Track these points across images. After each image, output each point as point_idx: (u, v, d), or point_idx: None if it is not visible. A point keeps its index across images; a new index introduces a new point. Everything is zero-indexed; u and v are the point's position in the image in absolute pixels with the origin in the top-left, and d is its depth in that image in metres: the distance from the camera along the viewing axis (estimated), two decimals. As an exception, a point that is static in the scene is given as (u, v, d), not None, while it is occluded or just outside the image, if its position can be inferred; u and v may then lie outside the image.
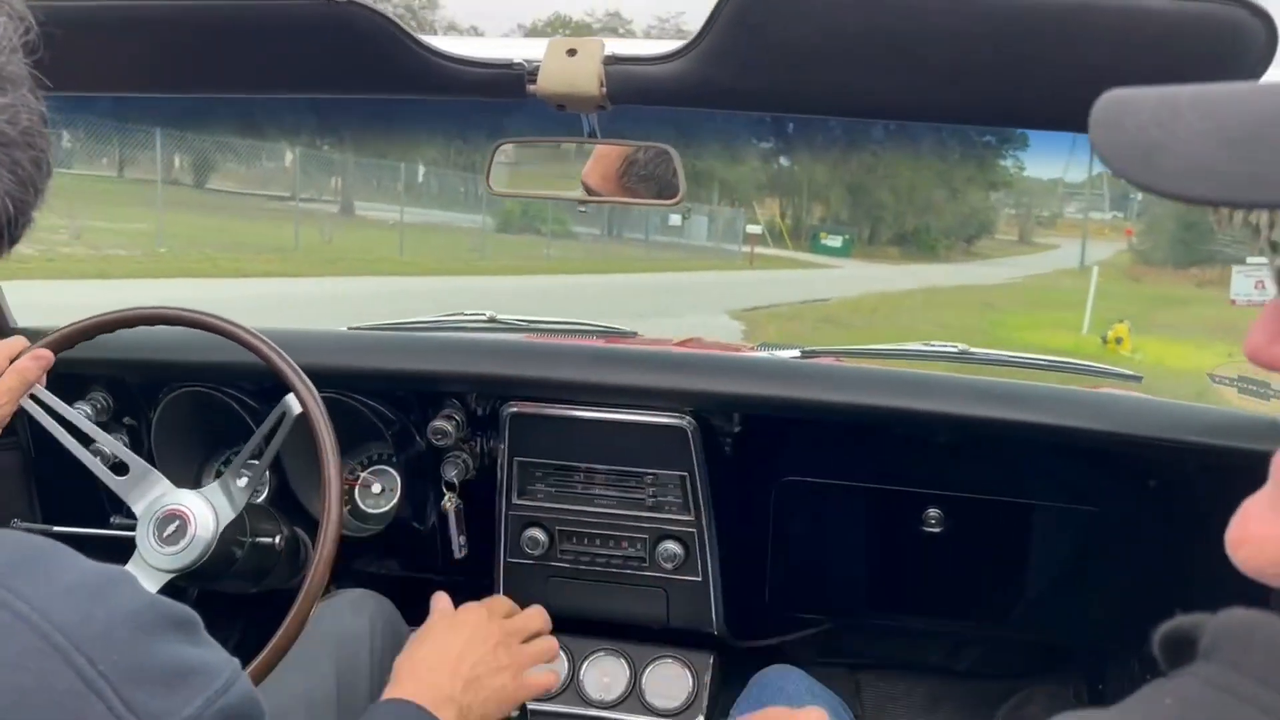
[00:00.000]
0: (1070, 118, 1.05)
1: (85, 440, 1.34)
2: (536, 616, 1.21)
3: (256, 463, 1.34)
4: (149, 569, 1.30)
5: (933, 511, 1.56)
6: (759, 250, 26.63)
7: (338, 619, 1.31)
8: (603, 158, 1.25)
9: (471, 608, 1.18)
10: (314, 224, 17.72)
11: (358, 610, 1.34)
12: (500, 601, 1.22)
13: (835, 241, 28.20)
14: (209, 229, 15.71)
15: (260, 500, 1.66)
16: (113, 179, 17.60)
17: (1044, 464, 1.51)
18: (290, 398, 1.30)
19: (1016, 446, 1.49)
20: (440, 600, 1.21)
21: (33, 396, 1.31)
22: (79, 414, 1.38)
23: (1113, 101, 0.43)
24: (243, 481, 1.33)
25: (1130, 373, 1.70)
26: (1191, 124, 0.40)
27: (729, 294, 15.38)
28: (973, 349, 1.73)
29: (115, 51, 1.10)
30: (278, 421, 1.31)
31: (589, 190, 1.25)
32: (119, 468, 1.34)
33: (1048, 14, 0.92)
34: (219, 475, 1.67)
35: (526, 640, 1.18)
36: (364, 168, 22.47)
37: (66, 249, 13.20)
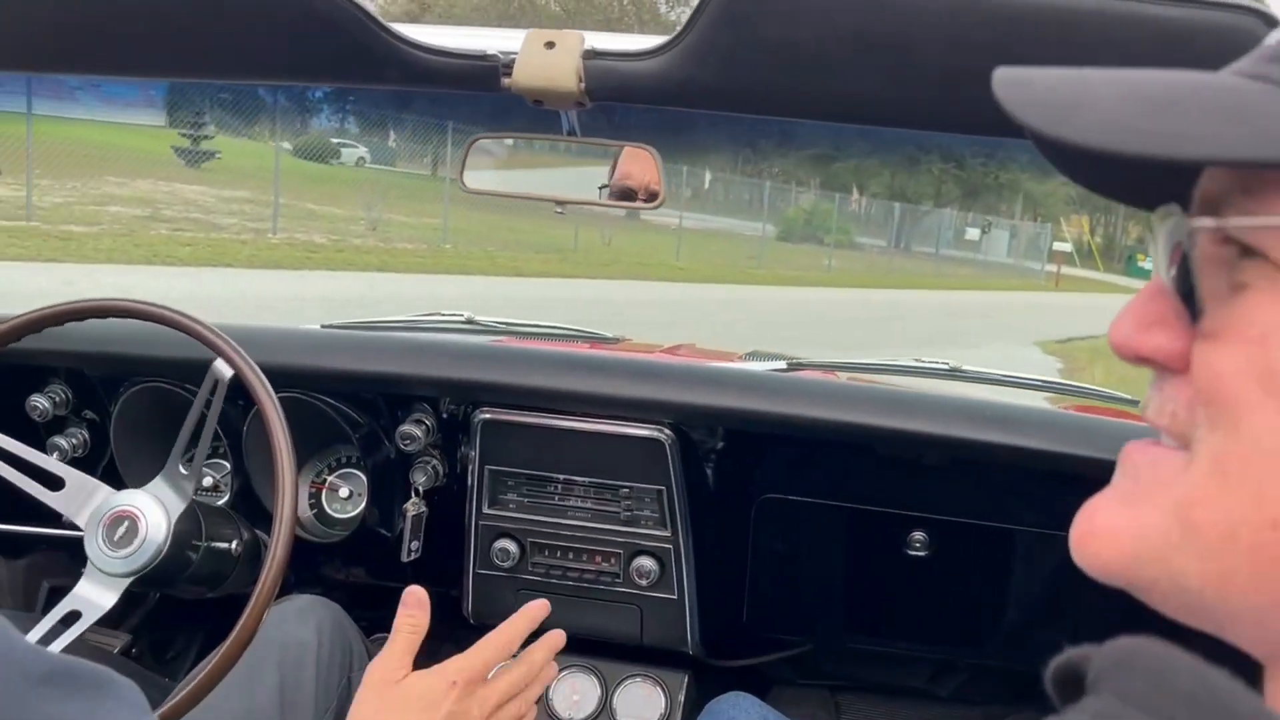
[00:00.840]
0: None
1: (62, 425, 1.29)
2: (530, 669, 1.00)
3: (197, 444, 1.28)
4: (104, 577, 1.24)
5: (918, 535, 1.51)
6: (1065, 270, 25.78)
7: (282, 626, 1.25)
8: (640, 159, 1.16)
9: (426, 678, 0.91)
10: (597, 226, 17.97)
11: (304, 617, 1.28)
12: (421, 629, 0.96)
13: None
14: (498, 227, 16.11)
15: (221, 503, 1.61)
16: (426, 176, 18.24)
17: (1034, 488, 1.45)
18: (218, 363, 1.23)
19: (1007, 470, 1.44)
20: (406, 621, 0.96)
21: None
22: (46, 401, 1.33)
23: (1013, 72, 0.42)
24: (186, 470, 1.27)
25: (1127, 396, 1.65)
26: (1103, 88, 0.39)
27: (1035, 320, 14.45)
28: (963, 367, 1.68)
29: (82, 30, 1.05)
30: (210, 392, 1.25)
31: (624, 192, 1.17)
32: (54, 482, 1.27)
33: (1049, 19, 0.87)
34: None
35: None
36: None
37: (359, 240, 13.71)
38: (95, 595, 1.24)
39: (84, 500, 1.26)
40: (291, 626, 1.25)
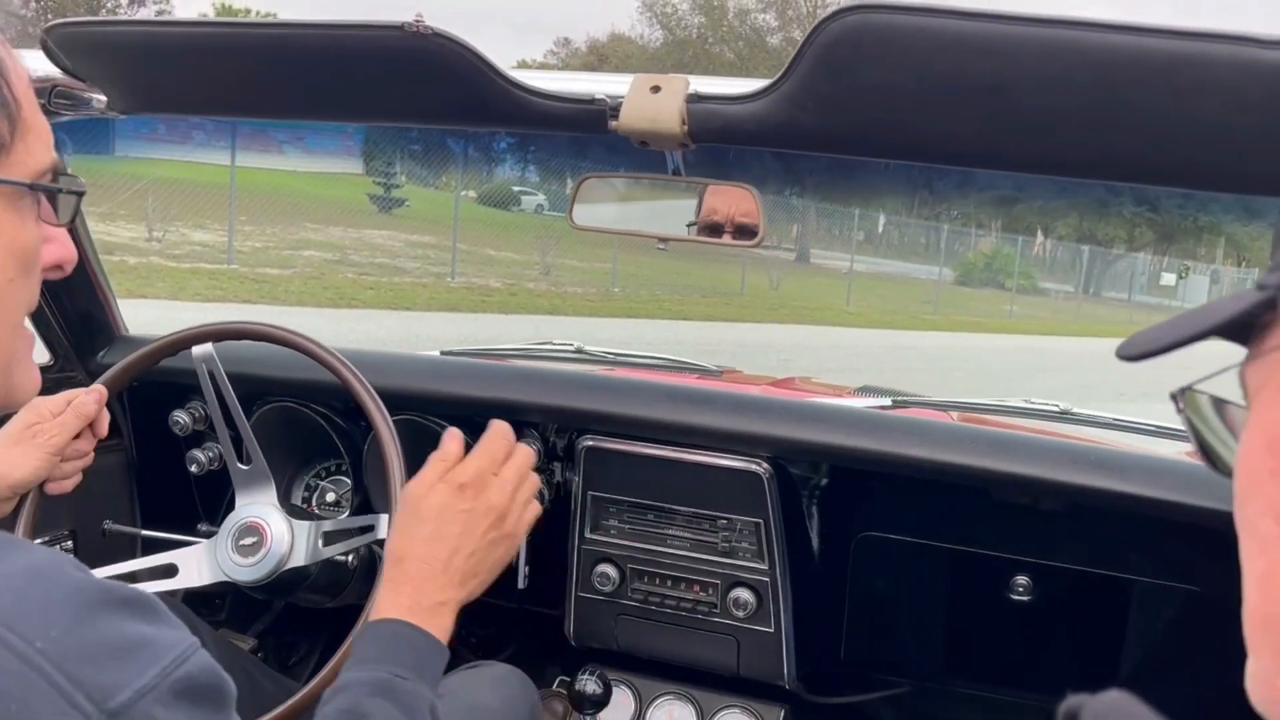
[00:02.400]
0: (1181, 172, 0.99)
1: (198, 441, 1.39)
2: (492, 441, 1.10)
3: (344, 540, 1.38)
4: (213, 562, 1.35)
5: (1021, 579, 1.48)
6: (1270, 320, 25.28)
7: (477, 694, 1.27)
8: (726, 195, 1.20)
9: (436, 489, 1.05)
10: (764, 270, 18.16)
11: (497, 686, 1.31)
12: (453, 458, 1.08)
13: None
14: (666, 271, 16.61)
15: (342, 517, 1.70)
16: None
17: (1143, 537, 1.41)
18: (382, 519, 1.33)
19: (1115, 517, 1.40)
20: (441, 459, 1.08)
21: (210, 373, 1.36)
22: (187, 416, 1.44)
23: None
24: (330, 548, 1.37)
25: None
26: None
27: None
28: (1074, 409, 1.65)
29: (208, 75, 1.14)
30: (368, 528, 1.36)
31: (711, 227, 1.21)
32: (245, 457, 1.39)
33: (1152, 63, 0.87)
34: (307, 494, 1.72)
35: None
36: (825, 215, 23.02)
37: (532, 285, 14.43)
38: (196, 566, 1.35)
39: (255, 488, 1.37)
40: (485, 694, 1.28)
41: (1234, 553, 1.38)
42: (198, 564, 1.33)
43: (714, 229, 1.17)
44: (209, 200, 13.38)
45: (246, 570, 1.31)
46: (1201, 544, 1.39)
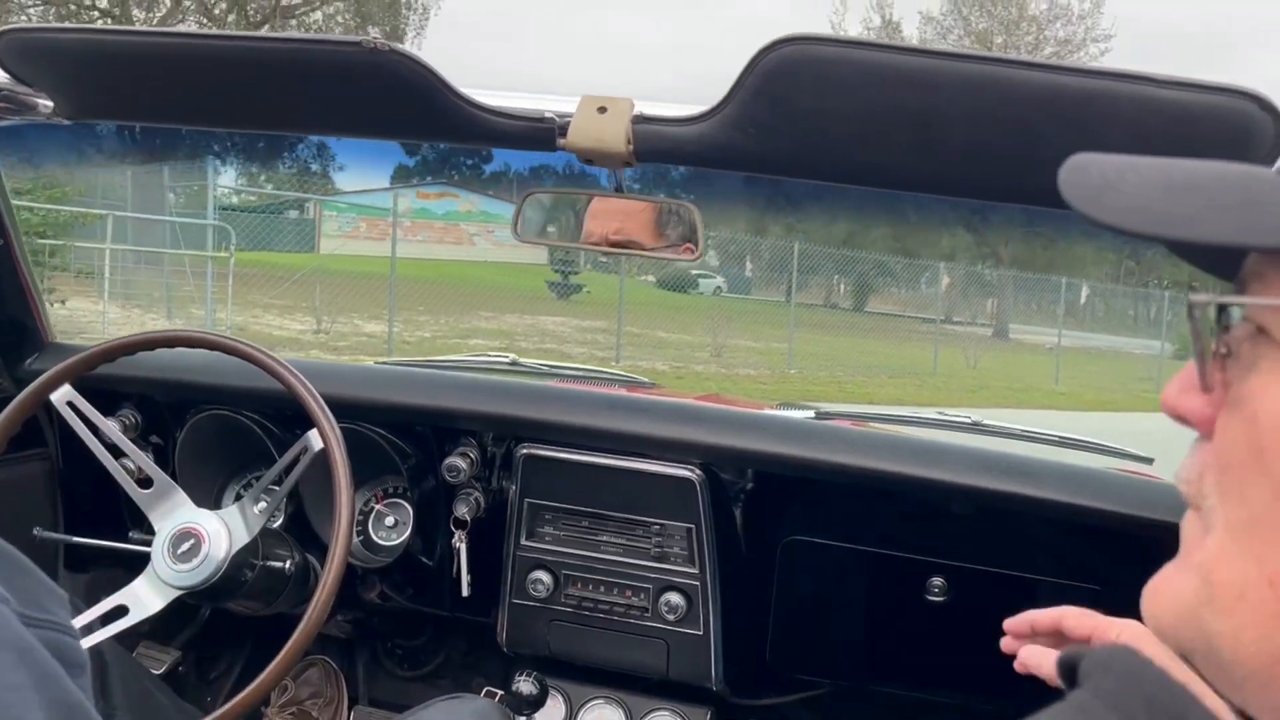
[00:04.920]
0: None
1: (115, 453, 1.39)
2: None
3: (275, 490, 1.38)
4: (159, 583, 1.34)
5: (936, 580, 1.56)
6: None
7: None
8: (623, 214, 1.28)
9: None
10: (960, 347, 17.15)
11: None
12: None
13: None
14: (849, 349, 15.87)
15: (275, 525, 1.70)
16: (780, 303, 17.99)
17: (1050, 539, 1.51)
18: (312, 434, 1.34)
19: (1024, 520, 1.49)
20: None
21: (70, 405, 1.36)
22: (113, 427, 1.43)
23: (1084, 157, 0.47)
24: (259, 507, 1.37)
25: (1141, 454, 1.70)
26: (1143, 175, 0.44)
27: None
28: (985, 421, 1.74)
29: (157, 84, 1.16)
30: (298, 455, 1.35)
31: (601, 241, 1.28)
32: (144, 482, 1.38)
33: (1062, 99, 0.95)
34: (239, 498, 1.71)
35: None
36: (1024, 287, 21.88)
37: (700, 367, 13.74)
38: (146, 597, 1.34)
39: (167, 505, 1.36)
40: None
41: (1131, 554, 1.48)
42: (145, 594, 1.33)
43: (619, 244, 1.23)
44: (401, 293, 13.17)
45: (194, 574, 1.31)
46: (1102, 546, 1.49)
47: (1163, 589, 0.46)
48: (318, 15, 22.14)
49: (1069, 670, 0.45)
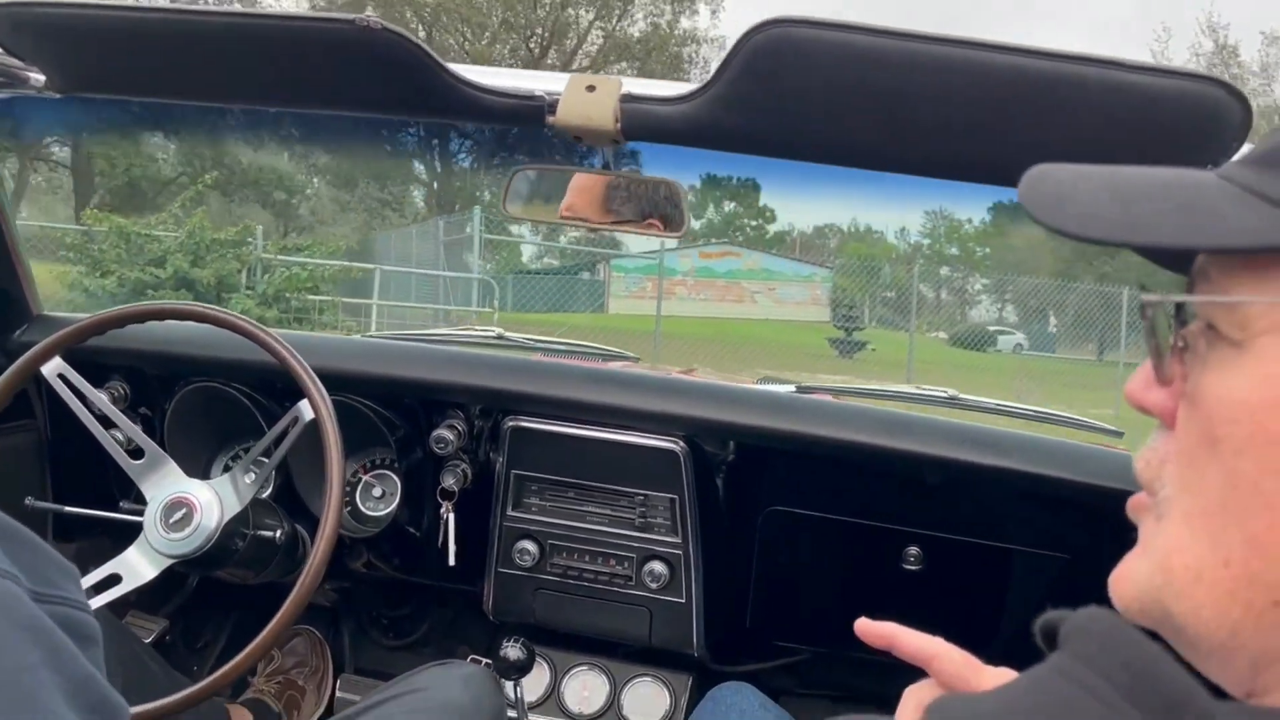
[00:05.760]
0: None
1: (105, 424, 1.41)
2: None
3: (265, 461, 1.41)
4: (152, 552, 1.36)
5: (912, 549, 1.61)
6: None
7: (449, 691, 1.30)
8: (586, 189, 1.30)
9: None
10: None
11: (469, 685, 1.33)
12: None
13: None
14: None
15: (265, 496, 1.72)
16: (1091, 362, 17.07)
17: (1021, 510, 1.55)
18: (303, 404, 1.36)
19: (996, 490, 1.54)
20: None
21: (61, 377, 1.37)
22: (103, 398, 1.45)
23: (1040, 169, 0.51)
24: (250, 477, 1.39)
25: (1113, 428, 1.75)
26: (1095, 185, 0.48)
27: None
28: (962, 395, 1.79)
29: (151, 59, 1.17)
30: (290, 424, 1.37)
31: (578, 215, 1.31)
32: (135, 453, 1.40)
33: (1033, 81, 0.98)
34: (228, 469, 1.73)
35: None
36: None
37: None
38: (139, 565, 1.36)
39: (157, 475, 1.38)
40: (457, 692, 1.30)
41: (1100, 525, 1.53)
42: (137, 562, 1.35)
43: (642, 215, 1.26)
44: (678, 350, 12.84)
45: (186, 543, 1.33)
46: (1071, 516, 1.53)
47: (1126, 576, 0.49)
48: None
49: (1048, 634, 0.48)
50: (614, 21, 24.60)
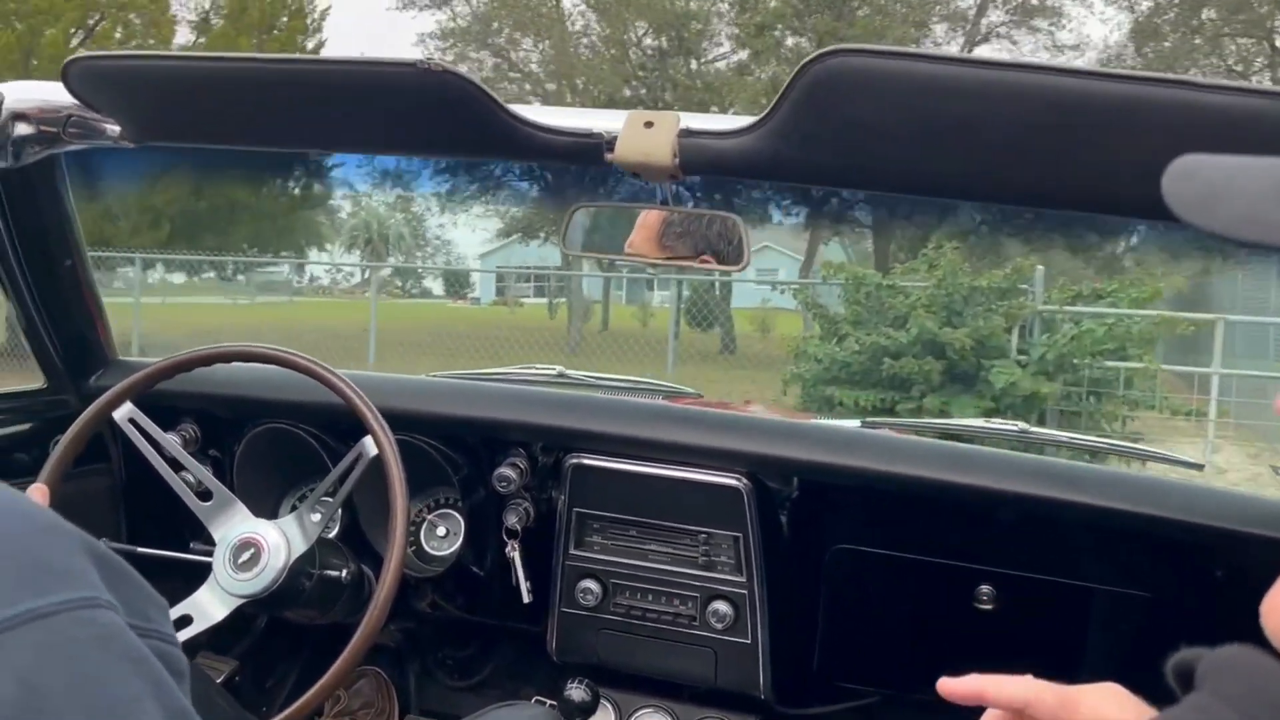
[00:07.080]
0: (1123, 202, 1.08)
1: (175, 466, 1.43)
2: None
3: (330, 499, 1.42)
4: (221, 592, 1.37)
5: (985, 588, 1.56)
6: None
7: None
8: (646, 225, 1.30)
9: None
10: None
11: None
12: None
13: None
14: None
15: (331, 535, 1.74)
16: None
17: (1099, 546, 1.50)
18: (367, 440, 1.37)
19: (1072, 527, 1.49)
20: None
21: (132, 421, 1.40)
22: (173, 441, 1.48)
23: (1189, 160, 0.45)
24: (316, 516, 1.41)
25: (1192, 460, 1.69)
26: (1257, 178, 0.43)
27: None
28: (1032, 429, 1.74)
29: (219, 108, 1.20)
30: (354, 462, 1.38)
31: (646, 253, 1.30)
32: (204, 494, 1.42)
33: (1105, 104, 0.96)
34: (295, 509, 1.75)
35: None
36: None
37: None
38: (209, 606, 1.38)
39: (225, 516, 1.40)
40: None
41: (1183, 560, 1.48)
42: (208, 603, 1.37)
43: (695, 251, 1.26)
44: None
45: (254, 583, 1.35)
46: (1152, 552, 1.48)
47: (1273, 606, 0.46)
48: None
49: (1182, 674, 0.46)
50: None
